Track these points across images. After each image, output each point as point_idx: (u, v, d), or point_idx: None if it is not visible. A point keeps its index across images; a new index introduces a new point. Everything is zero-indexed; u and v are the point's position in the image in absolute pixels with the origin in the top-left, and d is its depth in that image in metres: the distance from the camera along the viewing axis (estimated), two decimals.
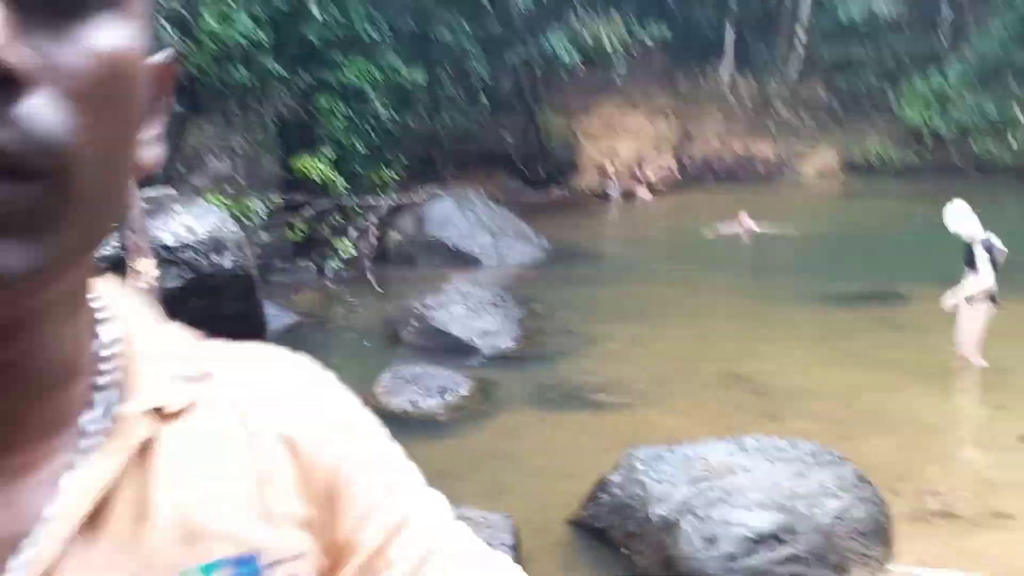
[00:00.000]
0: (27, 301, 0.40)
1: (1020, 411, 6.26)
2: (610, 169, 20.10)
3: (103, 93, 0.40)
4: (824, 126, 23.66)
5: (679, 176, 21.35)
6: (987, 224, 6.91)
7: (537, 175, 19.16)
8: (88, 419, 0.47)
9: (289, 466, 0.52)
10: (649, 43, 19.44)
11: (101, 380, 0.48)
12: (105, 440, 0.46)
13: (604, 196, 19.78)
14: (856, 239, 13.48)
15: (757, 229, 13.98)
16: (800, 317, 9.25)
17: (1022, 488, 5.02)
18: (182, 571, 0.46)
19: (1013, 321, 7.47)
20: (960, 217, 6.86)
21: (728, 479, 4.43)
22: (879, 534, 4.27)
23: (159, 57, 0.47)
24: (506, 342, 8.21)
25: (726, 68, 24.24)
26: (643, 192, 20.10)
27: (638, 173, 20.60)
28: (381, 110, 13.24)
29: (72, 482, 0.44)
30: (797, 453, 4.72)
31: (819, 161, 22.91)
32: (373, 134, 13.24)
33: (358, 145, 12.98)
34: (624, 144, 21.49)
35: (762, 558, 3.94)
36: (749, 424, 5.60)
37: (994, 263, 6.84)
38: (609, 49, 18.58)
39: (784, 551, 3.96)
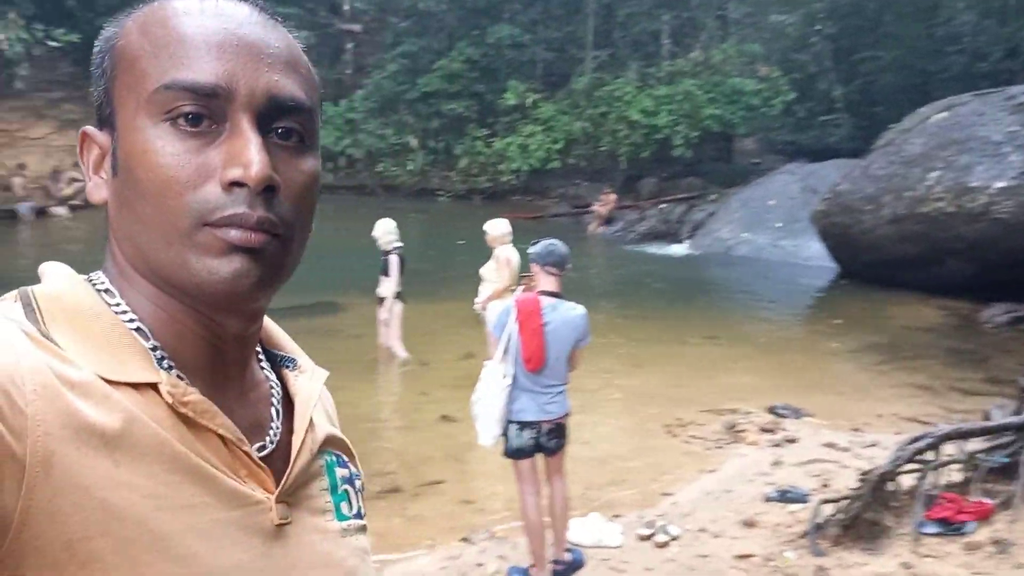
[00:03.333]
0: (267, 299, 0.71)
1: (438, 396, 7.14)
2: (17, 182, 18.35)
3: (307, 195, 0.70)
4: None
5: None
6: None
7: None
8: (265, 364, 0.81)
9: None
10: (54, 45, 17.68)
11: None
12: (299, 373, 0.81)
13: (11, 214, 18.00)
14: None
15: None
16: None
17: (447, 459, 5.96)
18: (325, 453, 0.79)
19: (425, 321, 9.50)
20: (384, 231, 7.83)
21: None
22: None
23: None
24: None
25: None
26: (61, 209, 18.67)
27: (52, 188, 18.83)
28: None
29: (301, 393, 0.78)
30: None
31: None
32: None
33: None
34: (32, 157, 19.46)
35: None
36: None
37: (401, 270, 7.96)
38: (7, 51, 17.01)
39: None
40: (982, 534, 4.35)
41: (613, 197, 20.76)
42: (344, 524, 0.77)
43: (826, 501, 4.78)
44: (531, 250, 4.22)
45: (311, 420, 0.77)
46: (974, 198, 11.61)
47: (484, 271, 7.68)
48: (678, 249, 17.63)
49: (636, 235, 19.22)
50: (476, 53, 24.98)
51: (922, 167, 12.47)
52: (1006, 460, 4.75)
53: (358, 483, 0.82)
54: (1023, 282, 10.41)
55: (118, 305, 0.69)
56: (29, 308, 0.65)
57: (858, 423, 6.90)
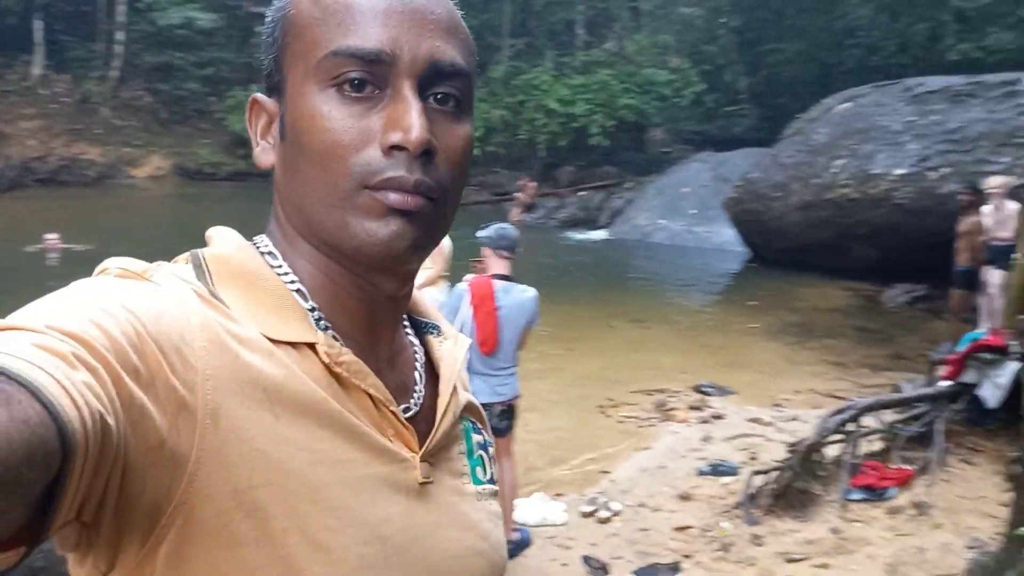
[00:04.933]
0: (419, 262, 0.74)
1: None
2: None
3: (462, 159, 0.71)
4: (153, 130, 22.86)
5: None
6: None
7: None
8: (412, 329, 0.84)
9: None
10: None
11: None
12: (443, 339, 0.83)
13: None
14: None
15: (63, 245, 12.36)
16: None
17: None
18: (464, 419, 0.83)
19: None
20: None
21: None
22: None
23: None
24: None
25: (37, 64, 22.50)
26: None
27: None
28: None
29: (446, 359, 0.81)
30: None
31: (151, 166, 22.25)
32: None
33: None
34: None
35: None
36: None
37: None
38: None
39: None
40: (903, 499, 4.67)
41: (534, 185, 20.92)
42: (479, 488, 0.80)
43: (757, 472, 5.01)
44: (482, 234, 4.28)
45: (454, 385, 0.80)
46: (876, 184, 12.23)
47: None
48: (598, 235, 17.96)
49: (557, 222, 19.45)
50: None
51: (828, 155, 13.05)
52: (923, 429, 5.11)
53: (491, 450, 0.86)
54: (921, 265, 11.05)
55: (280, 267, 0.72)
56: (199, 269, 0.69)
57: (778, 399, 7.23)
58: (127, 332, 0.56)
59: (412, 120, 0.65)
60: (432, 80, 0.68)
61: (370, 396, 0.70)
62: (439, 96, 0.69)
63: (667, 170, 19.46)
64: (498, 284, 4.13)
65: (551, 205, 20.54)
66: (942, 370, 5.70)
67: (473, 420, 0.85)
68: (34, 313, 0.54)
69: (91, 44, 24.69)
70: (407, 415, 0.74)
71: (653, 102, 23.18)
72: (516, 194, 20.84)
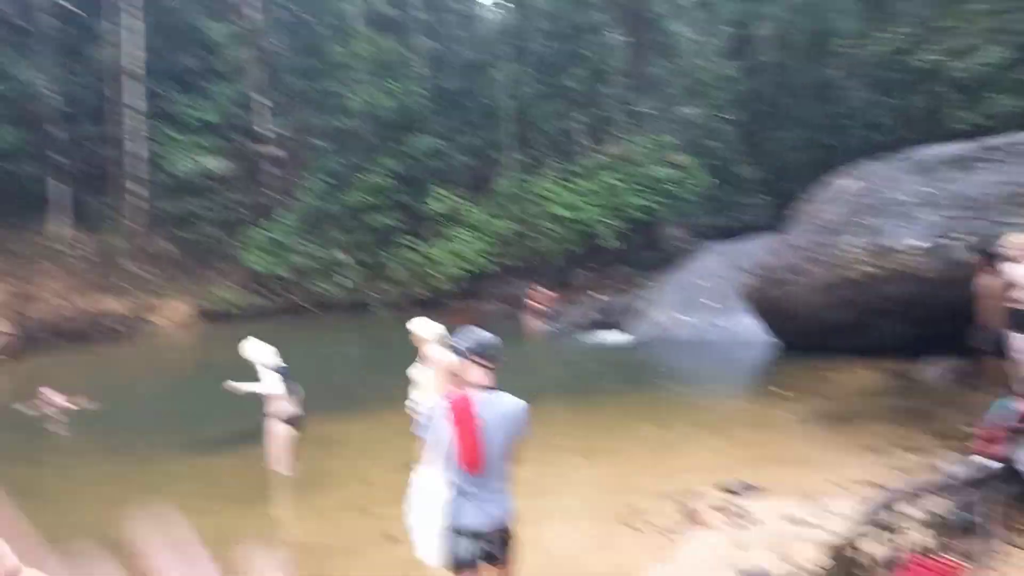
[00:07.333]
0: None
1: (381, 512, 6.72)
2: None
3: None
4: (173, 277, 23.91)
5: (20, 340, 19.25)
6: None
7: None
8: None
9: None
10: None
11: None
12: None
13: None
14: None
15: (68, 404, 12.40)
16: (178, 470, 9.08)
17: None
18: None
19: (363, 434, 10.02)
20: (257, 350, 8.28)
21: None
22: None
23: None
24: None
25: (60, 223, 23.57)
26: None
27: None
28: None
29: None
30: None
31: (173, 311, 23.10)
32: None
33: None
34: None
35: None
36: None
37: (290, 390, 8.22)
38: None
39: None
40: None
41: (550, 293, 20.86)
42: None
43: None
44: (457, 343, 3.98)
45: None
46: (894, 258, 11.89)
47: (415, 373, 7.39)
48: (619, 337, 17.65)
49: (576, 327, 19.19)
50: (397, 164, 25.29)
51: (839, 233, 12.78)
52: (969, 515, 4.63)
53: None
54: (949, 336, 10.56)
55: None
56: None
57: (812, 492, 6.73)
58: None
59: None
60: None
61: None
62: None
63: (682, 265, 19.26)
64: (478, 396, 3.81)
65: (569, 311, 20.36)
66: (977, 445, 5.24)
67: None
68: None
69: (112, 202, 25.60)
70: None
71: (660, 199, 23.28)
72: (531, 303, 20.84)
